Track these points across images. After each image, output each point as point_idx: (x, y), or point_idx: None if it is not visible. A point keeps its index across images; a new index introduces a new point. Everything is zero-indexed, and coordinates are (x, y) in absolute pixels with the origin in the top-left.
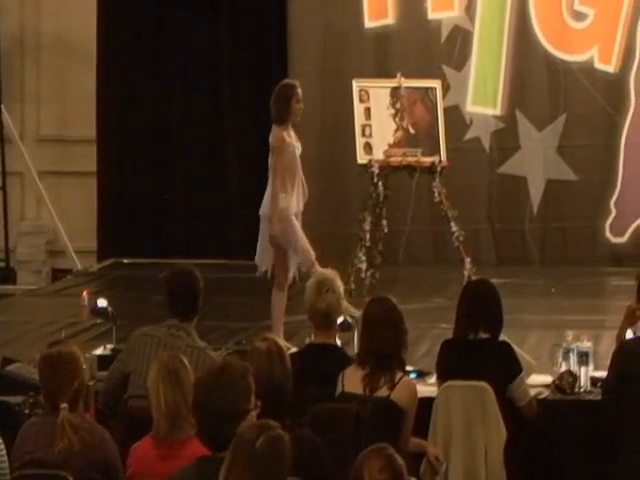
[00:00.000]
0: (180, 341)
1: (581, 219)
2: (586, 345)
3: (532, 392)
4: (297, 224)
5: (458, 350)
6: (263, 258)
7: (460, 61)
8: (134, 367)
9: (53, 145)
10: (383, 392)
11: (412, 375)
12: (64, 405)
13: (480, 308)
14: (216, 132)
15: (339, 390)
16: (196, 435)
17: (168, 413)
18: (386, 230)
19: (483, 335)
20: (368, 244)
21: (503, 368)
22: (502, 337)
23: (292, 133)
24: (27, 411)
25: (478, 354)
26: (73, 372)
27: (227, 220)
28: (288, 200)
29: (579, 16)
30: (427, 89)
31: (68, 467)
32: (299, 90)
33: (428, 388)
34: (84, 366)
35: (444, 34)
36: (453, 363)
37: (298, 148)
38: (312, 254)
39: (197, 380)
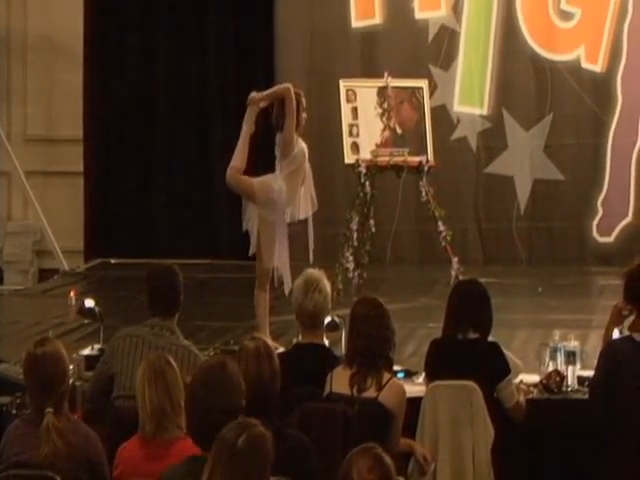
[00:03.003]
0: (164, 340)
1: (568, 219)
2: (573, 344)
3: (521, 395)
4: (284, 231)
5: (447, 350)
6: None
7: (447, 61)
8: (119, 369)
9: (40, 145)
10: (371, 393)
11: (400, 375)
12: (49, 409)
13: (470, 308)
14: (202, 132)
15: (327, 390)
16: (187, 433)
17: (153, 413)
18: (373, 230)
19: (472, 335)
20: (355, 244)
21: (491, 368)
22: (489, 337)
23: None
24: (14, 411)
25: (467, 354)
26: (58, 375)
27: (214, 220)
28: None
29: (566, 16)
30: (414, 89)
31: (54, 468)
32: (303, 99)
33: (416, 388)
34: (70, 366)
35: (431, 34)
36: (442, 363)
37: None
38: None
39: (193, 378)
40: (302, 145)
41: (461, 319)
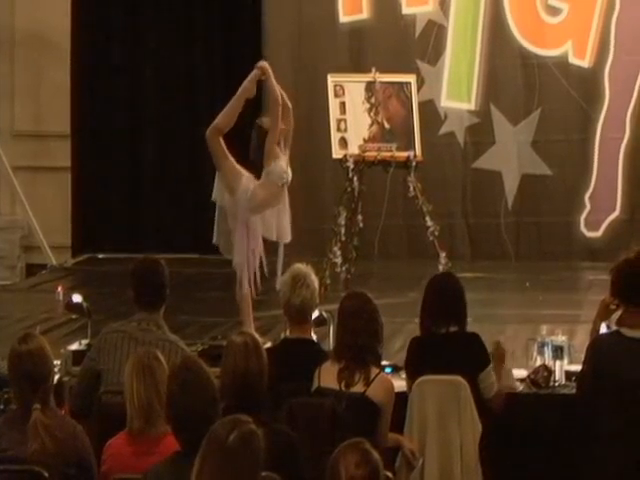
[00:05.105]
0: (151, 335)
1: (556, 214)
2: (561, 339)
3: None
4: (243, 232)
5: (429, 346)
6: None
7: (434, 56)
8: (106, 365)
9: (27, 140)
10: (359, 388)
11: (387, 370)
12: (36, 406)
13: (447, 302)
14: (190, 128)
15: (315, 385)
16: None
17: (141, 409)
18: (361, 225)
19: (452, 328)
20: (343, 239)
21: (473, 359)
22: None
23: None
24: (1, 407)
25: (449, 347)
26: (44, 371)
27: (201, 215)
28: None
29: (553, 11)
30: (402, 84)
31: (42, 464)
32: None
33: (404, 383)
34: (57, 361)
35: (418, 29)
36: (425, 359)
37: (288, 178)
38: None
39: (169, 377)
40: (283, 168)
41: (440, 314)
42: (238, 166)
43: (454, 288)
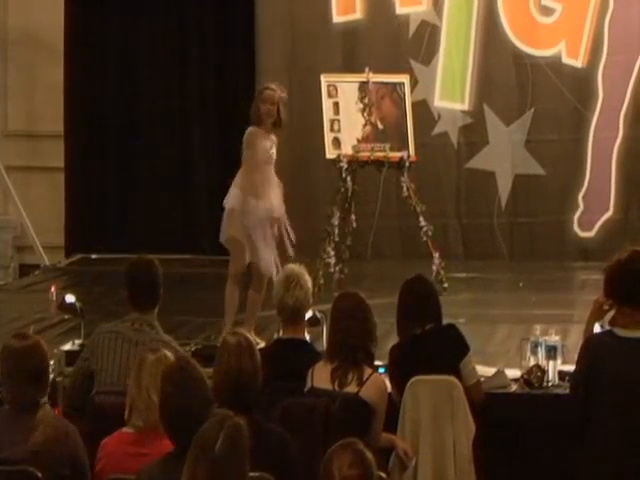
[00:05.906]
0: (145, 335)
1: (549, 214)
2: (554, 339)
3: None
4: (258, 234)
5: (410, 349)
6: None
7: (428, 56)
8: (99, 365)
9: (21, 140)
10: (352, 388)
11: (381, 370)
12: (45, 400)
13: (423, 304)
14: (183, 128)
15: (308, 385)
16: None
17: (129, 404)
18: (355, 225)
19: (428, 326)
20: (337, 239)
21: (453, 349)
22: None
23: (272, 137)
24: None
25: (429, 344)
26: (37, 371)
27: (194, 215)
28: (256, 204)
29: (547, 11)
30: (395, 84)
31: (35, 463)
32: (270, 92)
33: None
34: (51, 362)
35: (412, 29)
36: (409, 363)
37: (273, 153)
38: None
39: (163, 377)
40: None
41: (415, 316)
42: (232, 204)
43: (425, 289)
